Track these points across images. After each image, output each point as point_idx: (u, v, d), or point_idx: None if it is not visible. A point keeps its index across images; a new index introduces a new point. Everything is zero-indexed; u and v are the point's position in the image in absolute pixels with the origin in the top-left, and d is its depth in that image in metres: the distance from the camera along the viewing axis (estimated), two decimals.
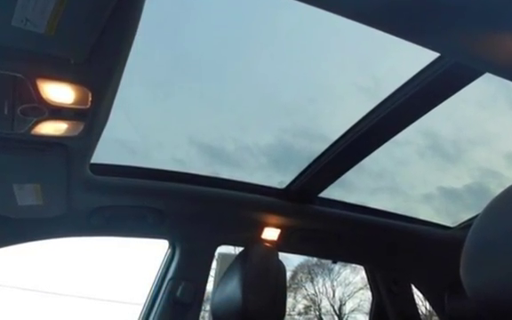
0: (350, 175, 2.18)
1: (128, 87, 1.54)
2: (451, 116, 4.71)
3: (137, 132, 4.16)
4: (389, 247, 2.53)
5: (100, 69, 1.17)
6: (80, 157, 1.61)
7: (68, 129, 1.39)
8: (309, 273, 14.93)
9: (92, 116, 1.34)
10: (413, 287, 2.73)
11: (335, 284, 14.74)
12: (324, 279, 14.84)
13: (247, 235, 2.29)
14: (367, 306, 12.32)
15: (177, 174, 2.18)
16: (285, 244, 2.35)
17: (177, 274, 2.22)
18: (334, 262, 2.23)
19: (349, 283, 14.49)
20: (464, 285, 1.21)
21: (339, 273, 14.48)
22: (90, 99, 1.24)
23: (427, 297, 2.77)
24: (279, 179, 2.68)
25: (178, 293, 2.17)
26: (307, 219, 2.35)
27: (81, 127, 1.38)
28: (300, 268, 14.78)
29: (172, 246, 2.29)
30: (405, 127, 1.83)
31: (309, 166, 2.17)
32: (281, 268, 1.87)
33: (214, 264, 3.07)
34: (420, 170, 7.94)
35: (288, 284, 2.26)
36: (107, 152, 1.89)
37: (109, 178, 1.96)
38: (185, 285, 2.19)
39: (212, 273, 2.61)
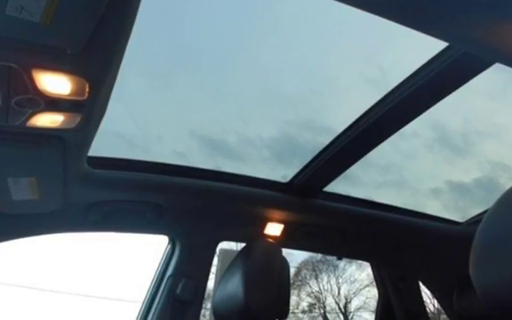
0: (356, 169, 2.17)
1: (126, 78, 1.54)
2: (459, 107, 4.70)
3: (136, 124, 4.16)
4: (396, 243, 2.53)
5: (97, 60, 1.16)
6: (77, 150, 1.61)
7: (64, 121, 1.39)
8: (314, 270, 14.94)
9: (89, 108, 1.33)
10: (421, 284, 2.73)
11: (340, 281, 14.75)
12: (328, 276, 14.85)
13: (249, 230, 2.29)
14: (373, 304, 12.31)
15: (177, 168, 2.18)
16: (289, 239, 2.35)
17: (177, 271, 2.22)
18: (339, 259, 2.23)
19: (355, 280, 14.49)
20: (473, 282, 1.21)
21: (344, 270, 14.49)
22: (87, 90, 1.24)
23: (435, 294, 2.77)
24: (282, 172, 2.68)
25: (178, 291, 2.17)
26: (311, 214, 2.35)
27: (78, 119, 1.37)
28: (304, 264, 14.79)
29: (172, 242, 2.29)
30: (413, 119, 1.83)
31: (313, 160, 2.17)
32: (284, 265, 1.87)
33: (215, 260, 3.07)
34: (427, 163, 7.92)
35: (292, 281, 2.27)
36: (105, 145, 1.89)
37: (107, 171, 1.96)
38: (185, 283, 2.19)
39: (213, 270, 2.62)
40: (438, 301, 2.79)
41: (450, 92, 1.69)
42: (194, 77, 4.49)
